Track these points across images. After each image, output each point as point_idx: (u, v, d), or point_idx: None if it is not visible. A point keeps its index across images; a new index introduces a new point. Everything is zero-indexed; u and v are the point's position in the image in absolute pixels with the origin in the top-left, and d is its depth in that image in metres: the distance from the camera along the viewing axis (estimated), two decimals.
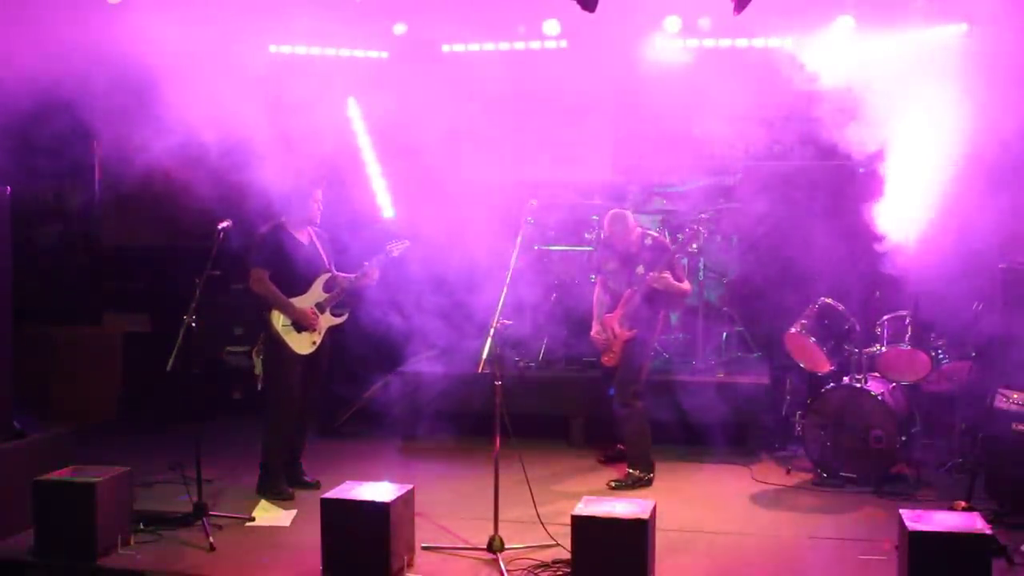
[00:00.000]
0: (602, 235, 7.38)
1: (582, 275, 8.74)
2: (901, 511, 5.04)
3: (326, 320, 6.89)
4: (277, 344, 6.71)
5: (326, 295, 6.87)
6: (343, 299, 7.05)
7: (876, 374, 7.24)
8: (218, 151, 6.99)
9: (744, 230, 9.04)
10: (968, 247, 6.77)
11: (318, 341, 6.84)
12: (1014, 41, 6.51)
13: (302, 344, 6.78)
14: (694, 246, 7.07)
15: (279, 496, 6.69)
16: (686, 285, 7.13)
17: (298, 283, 6.80)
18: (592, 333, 7.30)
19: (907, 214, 7.31)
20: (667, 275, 6.85)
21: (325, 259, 6.95)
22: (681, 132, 9.09)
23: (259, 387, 6.78)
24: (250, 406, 7.12)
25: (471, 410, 7.64)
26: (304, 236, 6.90)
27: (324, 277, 6.90)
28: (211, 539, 5.77)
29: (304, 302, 6.79)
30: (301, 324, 6.74)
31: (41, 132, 6.94)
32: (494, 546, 5.56)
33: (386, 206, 9.79)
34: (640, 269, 7.00)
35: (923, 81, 7.36)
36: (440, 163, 9.39)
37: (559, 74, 8.70)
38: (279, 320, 6.71)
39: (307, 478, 6.97)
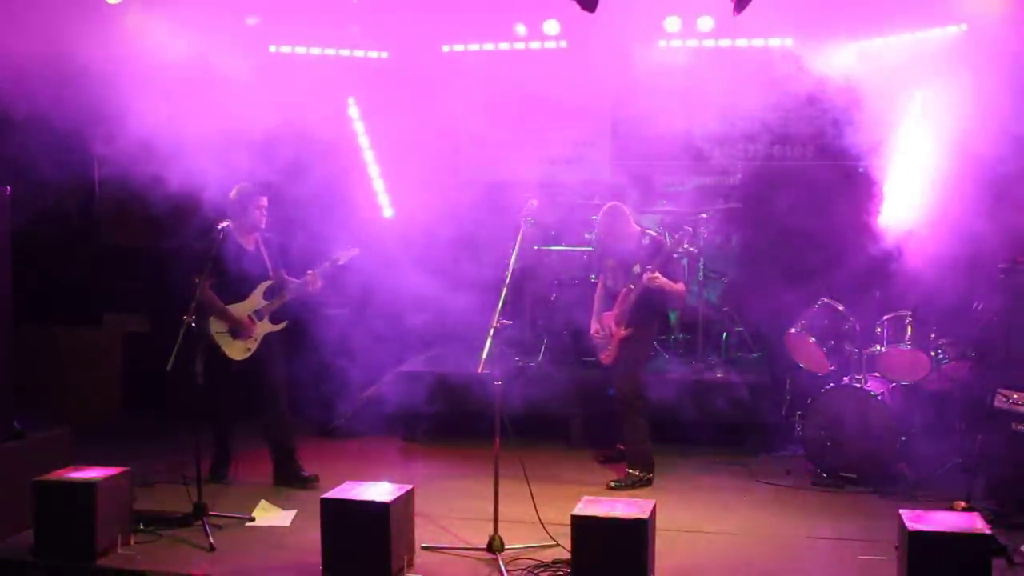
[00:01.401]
0: (600, 231, 7.39)
1: (582, 275, 8.74)
2: (901, 511, 5.04)
3: (263, 327, 6.95)
4: (212, 349, 6.79)
5: (265, 302, 6.94)
6: (297, 303, 7.11)
7: (876, 374, 7.24)
8: (218, 150, 6.99)
9: (744, 230, 9.05)
10: (968, 247, 6.77)
11: (252, 348, 6.90)
12: (1014, 40, 6.51)
13: (236, 351, 6.87)
14: (686, 245, 7.08)
15: (212, 477, 6.93)
16: (680, 286, 7.12)
17: (239, 289, 6.87)
18: (591, 331, 7.31)
19: (907, 214, 7.32)
20: (658, 276, 6.84)
21: (269, 266, 7.00)
22: (681, 132, 9.09)
23: (200, 380, 6.75)
24: (250, 406, 7.12)
25: (470, 410, 7.64)
26: (250, 242, 6.95)
27: (265, 284, 6.96)
28: (211, 539, 5.77)
29: (243, 309, 6.87)
30: (236, 331, 6.83)
31: (41, 131, 6.94)
32: (494, 546, 5.56)
33: (386, 206, 9.79)
34: (636, 268, 7.00)
35: (923, 81, 7.37)
36: (440, 163, 9.40)
37: (559, 74, 8.70)
38: (215, 326, 6.79)
39: (304, 472, 7.01)
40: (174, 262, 7.11)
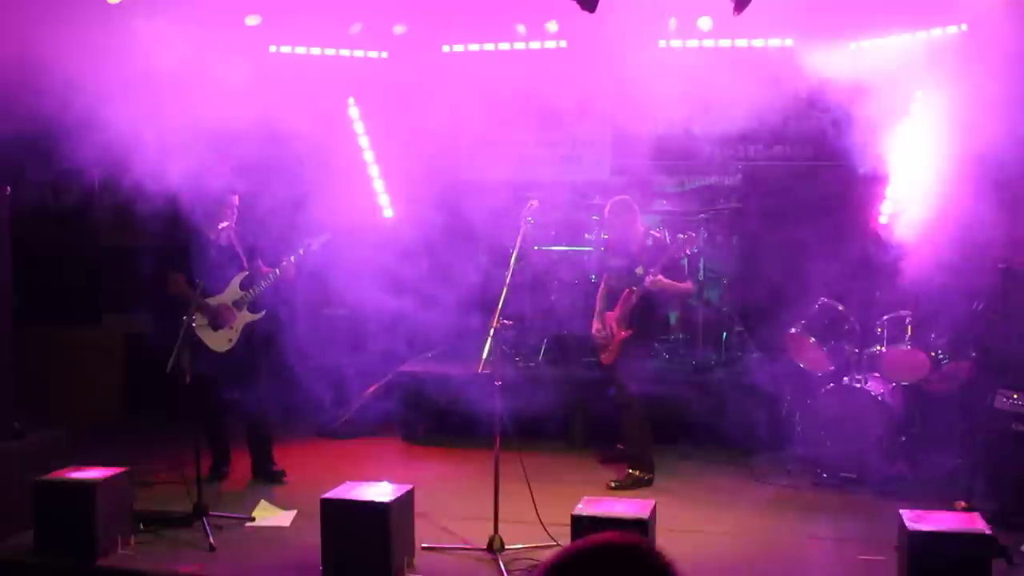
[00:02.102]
0: (605, 228, 7.40)
1: (582, 275, 8.74)
2: (901, 511, 5.04)
3: (243, 317, 7.08)
4: (195, 343, 6.80)
5: (242, 293, 7.07)
6: (270, 292, 7.18)
7: (876, 374, 7.24)
8: (217, 151, 7.00)
9: (744, 230, 9.04)
10: (968, 247, 6.76)
11: (234, 339, 7.03)
12: (1014, 40, 6.51)
13: (218, 342, 6.99)
14: (692, 250, 7.10)
15: (212, 476, 6.97)
16: (685, 285, 7.13)
17: (215, 283, 6.96)
18: (592, 330, 7.31)
19: (907, 214, 7.31)
20: (661, 278, 6.85)
21: (243, 259, 7.12)
22: (681, 132, 9.08)
23: (187, 381, 6.73)
24: (240, 403, 7.14)
25: (470, 410, 7.65)
26: (223, 237, 7.05)
27: (241, 275, 7.09)
28: (211, 539, 5.77)
29: (221, 300, 7.00)
30: (217, 321, 6.94)
31: (40, 131, 6.94)
32: (494, 546, 5.56)
33: (386, 206, 9.79)
34: (640, 269, 7.01)
35: (923, 81, 7.36)
36: (440, 163, 9.39)
37: (559, 74, 8.69)
38: (196, 319, 6.81)
39: (274, 468, 7.19)
40: (152, 261, 7.21)
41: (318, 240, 7.21)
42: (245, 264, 7.14)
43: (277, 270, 7.10)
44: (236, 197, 7.09)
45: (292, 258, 7.11)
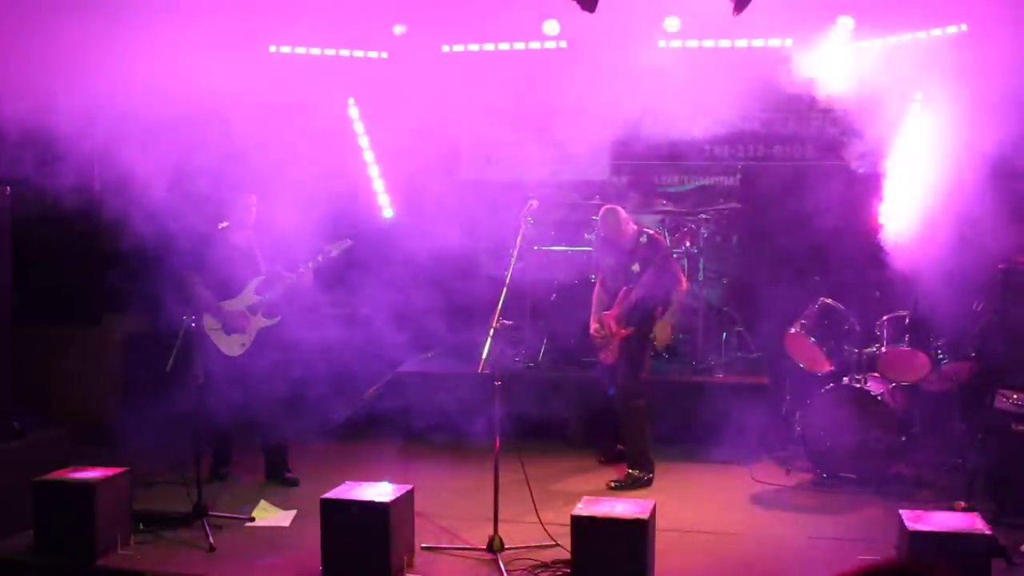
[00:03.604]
0: (599, 233, 7.42)
1: (582, 275, 8.74)
2: (901, 511, 5.04)
3: (257, 322, 7.01)
4: (208, 347, 6.82)
5: (258, 297, 7.00)
6: (283, 298, 7.11)
7: (876, 374, 7.24)
8: (217, 149, 7.01)
9: (744, 230, 9.04)
10: (967, 247, 6.77)
11: (247, 343, 6.96)
12: (1014, 40, 6.51)
13: (231, 346, 6.93)
14: (688, 244, 7.09)
15: (212, 477, 6.94)
16: (682, 285, 7.12)
17: (231, 286, 6.93)
18: (591, 330, 7.31)
19: (906, 213, 7.31)
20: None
21: (261, 262, 7.05)
22: (681, 132, 9.08)
23: (201, 381, 6.70)
24: (247, 405, 7.13)
25: (471, 410, 7.65)
26: (240, 240, 7.01)
27: (257, 280, 7.02)
28: (211, 539, 5.77)
29: (236, 304, 6.94)
30: (230, 325, 6.89)
31: (40, 131, 6.95)
32: (494, 546, 5.56)
33: (386, 206, 9.79)
34: (635, 267, 7.00)
35: (922, 81, 7.37)
36: (440, 163, 9.39)
37: (559, 74, 8.69)
38: (209, 322, 6.84)
39: (288, 475, 7.12)
40: (166, 261, 7.18)
41: (338, 246, 7.08)
42: (262, 268, 7.05)
43: (295, 275, 6.99)
44: (254, 197, 7.01)
45: (311, 264, 7.01)
